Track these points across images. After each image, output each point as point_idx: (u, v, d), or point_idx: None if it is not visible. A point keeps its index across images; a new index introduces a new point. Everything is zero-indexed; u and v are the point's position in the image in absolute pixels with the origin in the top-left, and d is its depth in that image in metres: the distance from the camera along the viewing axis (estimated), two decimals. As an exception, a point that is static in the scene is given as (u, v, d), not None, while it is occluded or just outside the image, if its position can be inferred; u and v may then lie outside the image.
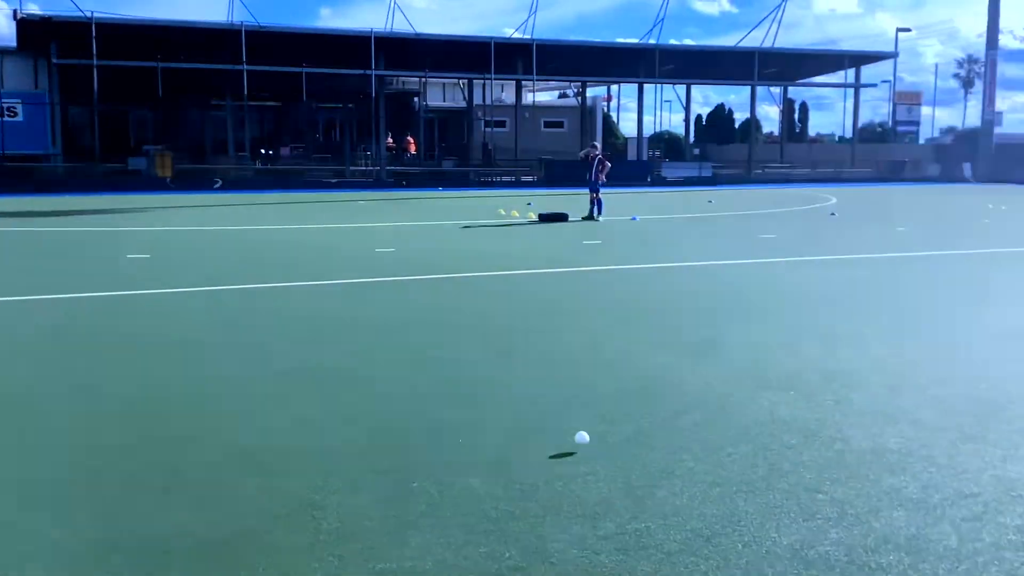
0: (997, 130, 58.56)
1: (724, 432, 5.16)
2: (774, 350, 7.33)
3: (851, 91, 58.29)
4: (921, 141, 68.07)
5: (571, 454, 4.77)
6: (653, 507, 4.07)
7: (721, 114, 78.41)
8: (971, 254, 14.95)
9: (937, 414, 5.50)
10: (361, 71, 43.15)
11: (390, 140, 47.83)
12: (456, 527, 3.86)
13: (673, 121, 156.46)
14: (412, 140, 48.64)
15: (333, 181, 41.54)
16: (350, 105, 51.09)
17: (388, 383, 6.33)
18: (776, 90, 60.00)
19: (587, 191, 22.11)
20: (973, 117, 68.96)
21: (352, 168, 45.04)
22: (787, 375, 6.46)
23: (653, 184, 45.26)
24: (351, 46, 42.83)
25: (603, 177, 22.09)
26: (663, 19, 51.60)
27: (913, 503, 4.11)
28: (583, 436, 4.87)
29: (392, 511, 4.04)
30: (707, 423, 5.35)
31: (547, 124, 56.39)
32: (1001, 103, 68.87)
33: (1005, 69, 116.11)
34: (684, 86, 57.17)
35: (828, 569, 3.46)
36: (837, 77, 60.38)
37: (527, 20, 68.10)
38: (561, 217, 21.27)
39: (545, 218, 21.14)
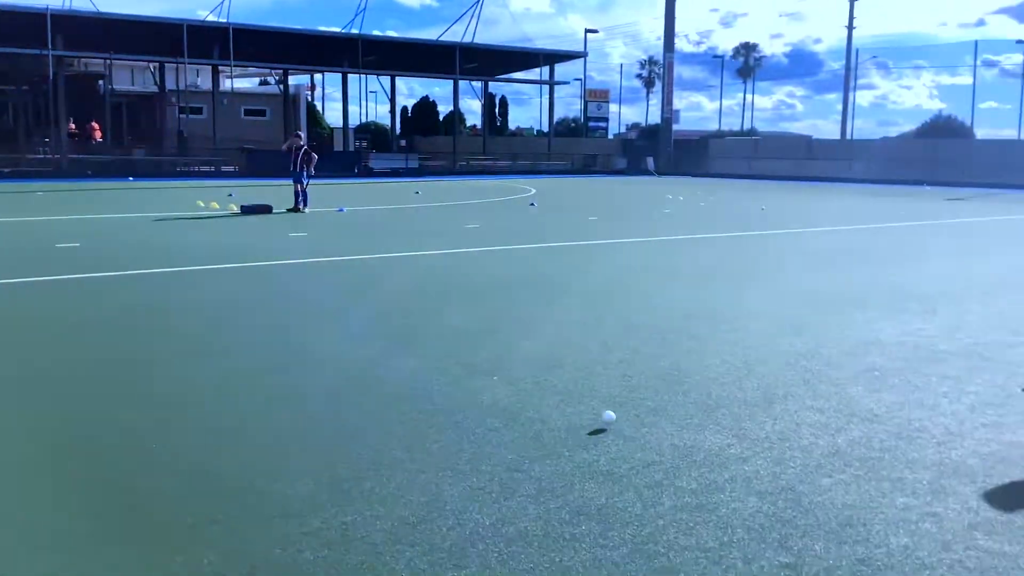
0: (675, 127, 63.83)
1: (431, 420, 5.25)
2: (477, 336, 7.56)
3: (546, 87, 61.26)
4: (610, 136, 72.76)
5: (602, 431, 4.97)
6: (360, 499, 4.06)
7: (426, 106, 79.57)
8: (655, 241, 16.22)
9: (625, 390, 5.91)
10: (37, 51, 39.49)
11: (72, 126, 44.17)
12: (152, 536, 3.64)
13: (379, 112, 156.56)
14: (97, 126, 45.15)
15: (6, 171, 37.71)
16: (24, 88, 46.56)
17: (68, 384, 5.85)
18: (478, 84, 61.79)
19: (292, 182, 21.63)
20: (655, 115, 74.75)
21: (30, 157, 41.13)
22: (490, 360, 6.68)
23: (360, 175, 45.10)
24: (24, 23, 39.00)
25: (310, 169, 21.64)
26: (364, 9, 51.54)
27: (604, 475, 4.39)
28: (610, 415, 5.15)
29: (86, 521, 3.74)
30: (414, 412, 5.41)
31: (248, 112, 54.55)
32: (679, 102, 75.10)
33: (682, 70, 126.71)
34: (389, 77, 57.47)
35: (527, 544, 3.61)
36: (533, 74, 63.24)
37: (222, 3, 65.14)
38: (265, 209, 20.67)
39: (248, 210, 20.44)
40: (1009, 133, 55.51)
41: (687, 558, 3.51)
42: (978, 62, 56.23)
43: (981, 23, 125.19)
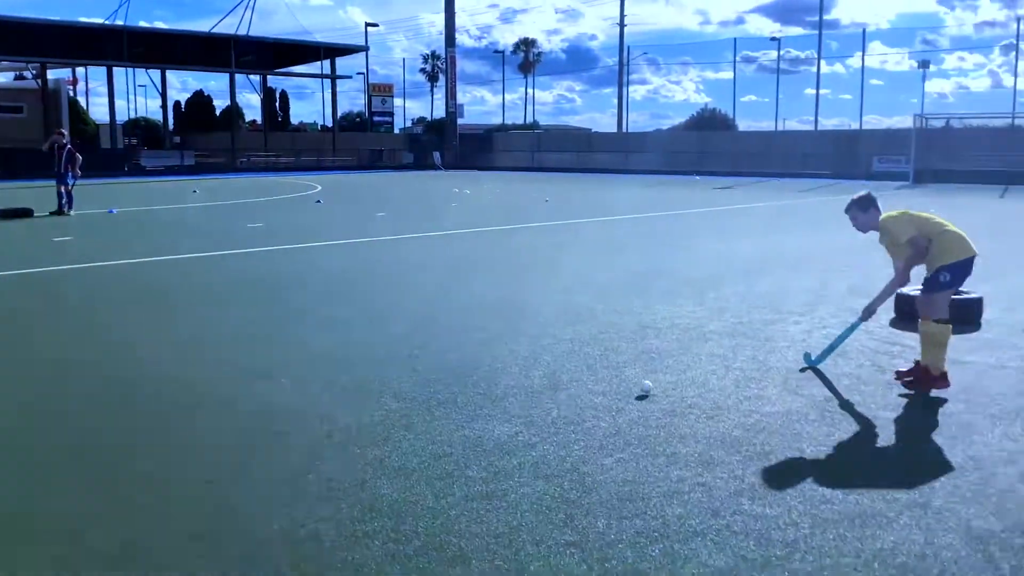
0: (461, 121, 64.59)
1: (215, 427, 5.09)
2: (262, 338, 7.38)
3: (328, 82, 60.35)
4: (396, 131, 72.62)
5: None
6: (140, 515, 3.88)
7: (201, 101, 76.40)
8: (443, 235, 16.34)
9: (414, 385, 5.95)
10: None
11: None
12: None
13: (151, 107, 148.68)
14: None
15: None
16: None
17: None
18: (255, 78, 60.02)
19: (55, 184, 20.21)
20: (440, 109, 75.21)
21: None
22: (276, 362, 6.55)
23: (131, 174, 42.84)
24: None
25: (76, 170, 20.25)
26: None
27: (395, 471, 4.41)
28: (648, 384, 5.74)
29: None
30: (198, 420, 5.23)
31: (3, 109, 50.45)
32: (463, 96, 75.97)
33: (465, 65, 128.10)
34: (159, 70, 54.80)
35: (318, 545, 3.58)
36: (314, 68, 62.13)
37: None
38: (25, 213, 19.23)
39: (5, 214, 18.94)
40: (768, 125, 59.76)
41: (478, 545, 3.59)
42: (738, 58, 59.96)
43: (741, 21, 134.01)
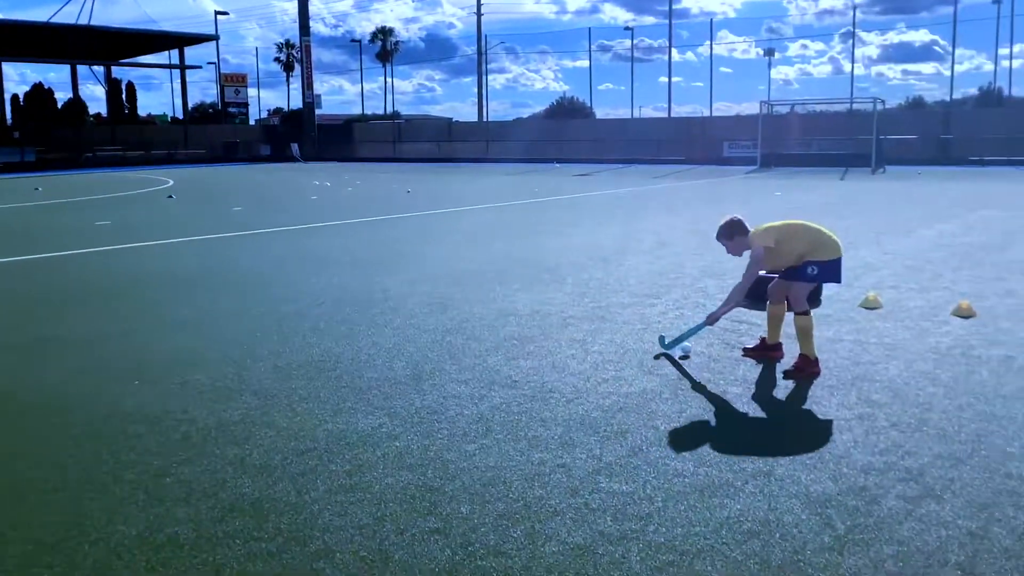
0: (319, 111, 63.52)
1: (67, 433, 4.91)
2: (114, 340, 7.14)
3: (178, 72, 58.30)
4: (252, 122, 70.86)
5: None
6: (-15, 529, 3.72)
7: (41, 94, 72.59)
8: (302, 228, 16.08)
9: (275, 381, 5.88)
10: None
11: None
12: None
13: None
14: None
15: None
16: None
17: None
18: (99, 69, 57.48)
19: None
20: (297, 99, 73.75)
21: None
22: (129, 364, 6.35)
23: (-34, 171, 40.35)
24: None
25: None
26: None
27: (256, 468, 4.36)
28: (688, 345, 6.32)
29: None
30: (48, 427, 5.03)
31: None
32: (320, 86, 74.79)
33: (321, 54, 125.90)
34: (-7, 62, 51.78)
35: (177, 548, 3.52)
36: (162, 58, 59.99)
37: None
38: None
39: None
40: (624, 112, 61.22)
41: (342, 537, 3.60)
42: (594, 47, 61.27)
43: (596, 10, 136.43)
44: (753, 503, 3.89)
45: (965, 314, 7.54)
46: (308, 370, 6.14)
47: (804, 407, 5.28)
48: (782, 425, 4.96)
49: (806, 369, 5.94)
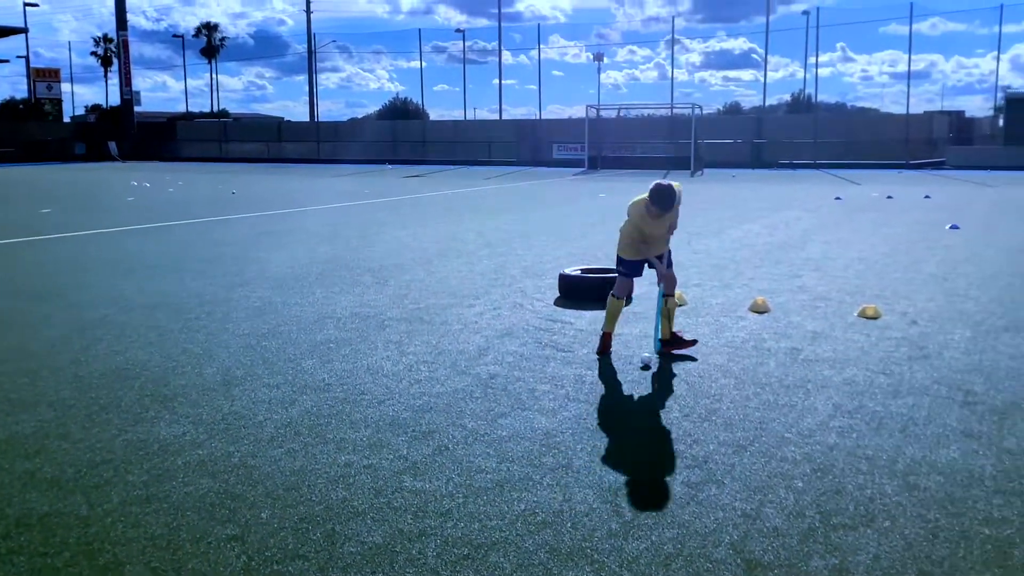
0: (139, 109, 60.82)
1: None
2: None
3: (-18, 65, 54.57)
4: (66, 119, 67.14)
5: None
6: None
7: None
8: (116, 232, 15.40)
9: (74, 391, 5.65)
10: None
11: None
12: None
13: None
14: None
15: None
16: None
17: None
18: None
19: None
20: (116, 95, 70.28)
21: None
22: (-88, 378, 5.96)
23: None
24: None
25: None
26: None
27: (47, 483, 4.19)
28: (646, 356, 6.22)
29: None
30: None
31: None
32: (141, 82, 71.68)
33: (142, 49, 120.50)
34: None
35: (-46, 570, 3.36)
36: (-36, 49, 55.91)
37: None
38: None
39: None
40: (458, 114, 61.58)
41: (134, 549, 3.52)
42: (428, 48, 61.33)
43: (430, 11, 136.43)
44: (550, 495, 4.05)
45: (760, 309, 8.05)
46: (110, 379, 5.94)
47: (608, 402, 5.51)
48: (581, 420, 5.17)
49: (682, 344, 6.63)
